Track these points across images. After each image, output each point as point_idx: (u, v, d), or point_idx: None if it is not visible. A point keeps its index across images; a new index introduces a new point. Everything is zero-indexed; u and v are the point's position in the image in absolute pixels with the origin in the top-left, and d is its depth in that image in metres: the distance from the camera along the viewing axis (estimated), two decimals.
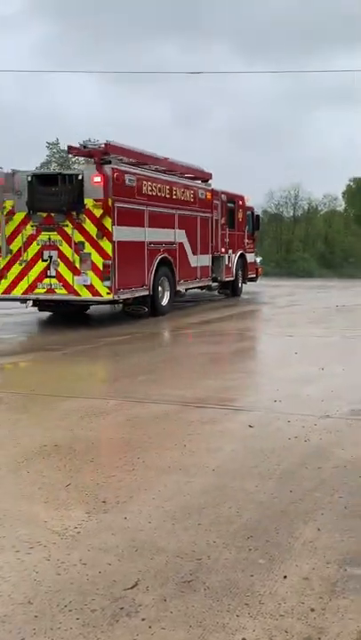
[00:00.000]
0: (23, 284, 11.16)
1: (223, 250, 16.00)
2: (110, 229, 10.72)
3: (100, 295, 10.79)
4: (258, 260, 19.98)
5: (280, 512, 3.21)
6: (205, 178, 15.42)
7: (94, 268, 10.75)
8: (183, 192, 13.77)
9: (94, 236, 10.73)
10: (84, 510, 3.22)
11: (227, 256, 16.26)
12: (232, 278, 16.78)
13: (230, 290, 17.01)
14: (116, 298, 11.02)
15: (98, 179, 10.68)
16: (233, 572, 2.62)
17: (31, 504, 3.30)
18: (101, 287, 10.72)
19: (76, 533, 2.96)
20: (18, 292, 11.22)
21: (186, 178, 14.43)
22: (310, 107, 77.41)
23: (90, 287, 10.78)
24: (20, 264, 11.16)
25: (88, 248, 10.76)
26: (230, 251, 16.59)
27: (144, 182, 11.92)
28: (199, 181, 15.11)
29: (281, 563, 2.69)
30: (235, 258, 16.97)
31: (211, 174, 15.57)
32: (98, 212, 10.68)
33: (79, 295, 10.91)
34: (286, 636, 2.19)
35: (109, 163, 10.96)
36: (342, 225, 45.48)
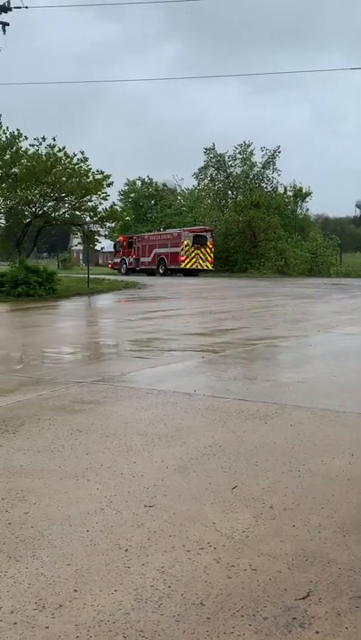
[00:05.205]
0: (189, 264, 40.61)
1: None
2: (213, 250, 41.99)
3: (210, 268, 41.65)
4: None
5: None
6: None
7: (209, 261, 41.57)
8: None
9: (209, 252, 41.54)
10: (252, 514, 3.20)
11: None
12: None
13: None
14: (212, 269, 42.33)
15: (208, 236, 42.03)
16: None
17: (199, 504, 3.33)
18: (210, 266, 41.66)
19: (245, 537, 2.95)
20: (188, 266, 40.55)
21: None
22: None
23: (207, 266, 41.55)
24: (189, 258, 40.65)
25: (208, 254, 41.46)
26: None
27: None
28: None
29: None
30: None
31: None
32: (210, 245, 41.64)
33: (203, 268, 41.46)
34: None
35: (211, 232, 43.14)
36: None
